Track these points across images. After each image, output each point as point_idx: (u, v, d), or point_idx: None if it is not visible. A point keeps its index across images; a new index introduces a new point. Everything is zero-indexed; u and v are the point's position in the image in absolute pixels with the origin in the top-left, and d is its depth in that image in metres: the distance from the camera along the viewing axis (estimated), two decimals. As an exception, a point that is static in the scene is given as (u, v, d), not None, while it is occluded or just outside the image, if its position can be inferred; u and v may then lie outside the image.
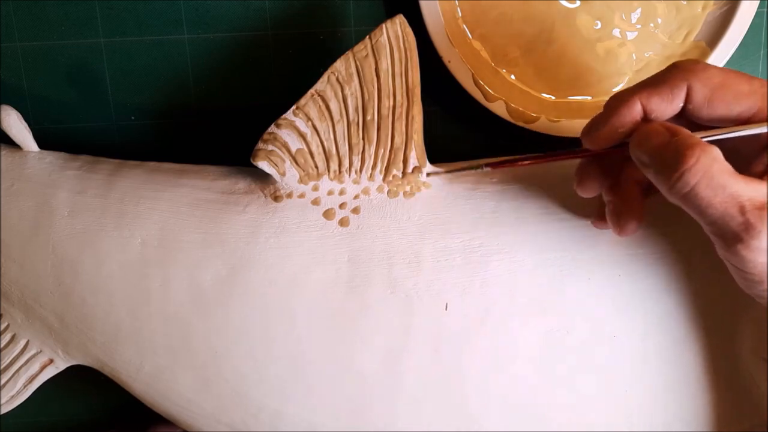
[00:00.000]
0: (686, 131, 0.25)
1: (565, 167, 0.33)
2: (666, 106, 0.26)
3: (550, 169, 0.33)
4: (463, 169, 0.32)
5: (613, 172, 0.29)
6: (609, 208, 0.29)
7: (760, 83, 0.26)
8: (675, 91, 0.26)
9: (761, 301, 0.26)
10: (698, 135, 0.26)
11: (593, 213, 0.31)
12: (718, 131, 0.26)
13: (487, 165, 0.31)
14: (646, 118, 0.27)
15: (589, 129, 0.28)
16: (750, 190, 0.24)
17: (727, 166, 0.24)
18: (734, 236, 0.24)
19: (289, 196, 0.32)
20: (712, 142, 0.25)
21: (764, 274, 0.25)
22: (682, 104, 0.26)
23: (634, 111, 0.26)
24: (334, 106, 0.31)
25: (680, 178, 0.24)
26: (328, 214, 0.32)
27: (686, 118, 0.27)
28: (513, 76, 0.38)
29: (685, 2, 0.36)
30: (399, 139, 0.31)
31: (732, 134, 0.26)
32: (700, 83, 0.26)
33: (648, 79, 0.27)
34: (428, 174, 0.32)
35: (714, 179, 0.24)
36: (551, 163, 0.31)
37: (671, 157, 0.25)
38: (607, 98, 0.37)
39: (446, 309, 0.31)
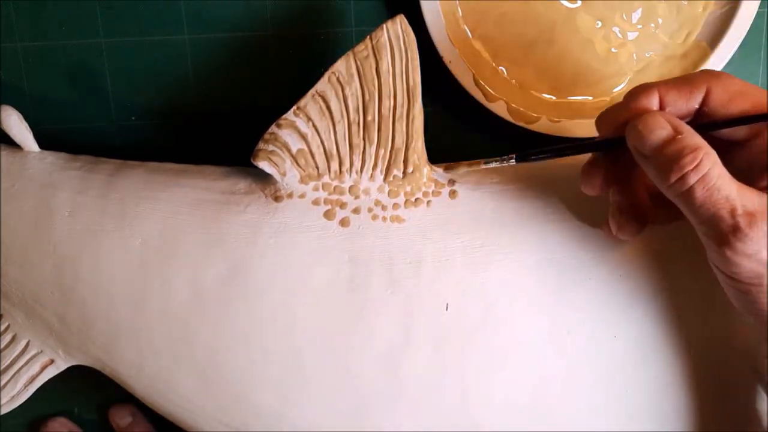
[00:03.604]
0: (689, 128, 0.26)
1: (566, 168, 0.33)
2: (683, 102, 0.27)
3: (550, 170, 0.33)
4: (488, 162, 0.31)
5: (619, 174, 0.29)
6: (613, 208, 0.29)
7: None
8: (694, 91, 0.27)
9: (757, 318, 0.26)
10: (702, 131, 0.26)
11: (603, 220, 0.31)
12: (720, 123, 0.27)
13: (517, 157, 0.30)
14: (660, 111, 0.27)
15: (605, 112, 0.29)
16: (744, 198, 0.25)
17: (726, 172, 0.25)
18: (722, 238, 0.25)
19: (290, 196, 0.32)
20: (714, 136, 0.26)
21: (750, 279, 0.25)
22: (697, 105, 0.27)
23: (652, 100, 0.27)
24: (334, 106, 0.31)
25: (682, 178, 0.25)
26: (328, 215, 0.32)
27: (701, 119, 0.27)
28: (513, 77, 0.38)
29: (685, 2, 0.36)
30: (399, 140, 0.31)
31: (736, 125, 0.27)
32: (721, 87, 0.26)
33: (673, 78, 0.28)
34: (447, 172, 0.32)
35: (711, 181, 0.24)
36: (556, 162, 0.32)
37: (673, 155, 0.25)
38: (607, 99, 0.38)
39: (447, 309, 0.31)
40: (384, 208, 0.32)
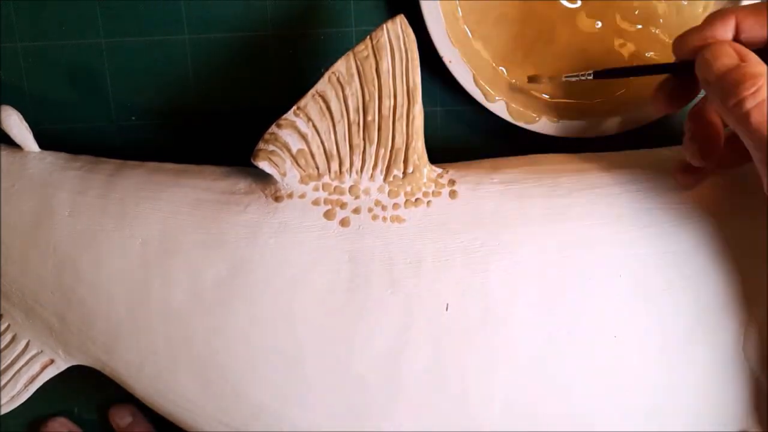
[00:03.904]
0: (755, 57, 0.26)
1: (566, 168, 0.33)
2: (758, 30, 0.28)
3: (551, 170, 0.33)
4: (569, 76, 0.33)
5: (687, 96, 0.30)
6: (687, 135, 0.30)
7: None
8: None
9: None
10: None
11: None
12: None
13: (595, 73, 0.32)
14: (736, 38, 0.28)
15: (682, 35, 0.29)
16: None
17: None
18: None
19: (290, 196, 0.32)
20: None
21: None
22: None
23: (728, 26, 0.28)
24: (334, 106, 0.31)
25: (739, 102, 0.25)
26: (328, 215, 0.32)
27: None
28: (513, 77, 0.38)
29: (685, 2, 0.36)
30: (400, 140, 0.31)
31: None
32: None
33: (753, 3, 0.28)
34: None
35: None
36: (555, 162, 0.32)
37: (735, 81, 0.26)
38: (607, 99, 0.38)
39: (447, 309, 0.31)
40: (384, 208, 0.32)
